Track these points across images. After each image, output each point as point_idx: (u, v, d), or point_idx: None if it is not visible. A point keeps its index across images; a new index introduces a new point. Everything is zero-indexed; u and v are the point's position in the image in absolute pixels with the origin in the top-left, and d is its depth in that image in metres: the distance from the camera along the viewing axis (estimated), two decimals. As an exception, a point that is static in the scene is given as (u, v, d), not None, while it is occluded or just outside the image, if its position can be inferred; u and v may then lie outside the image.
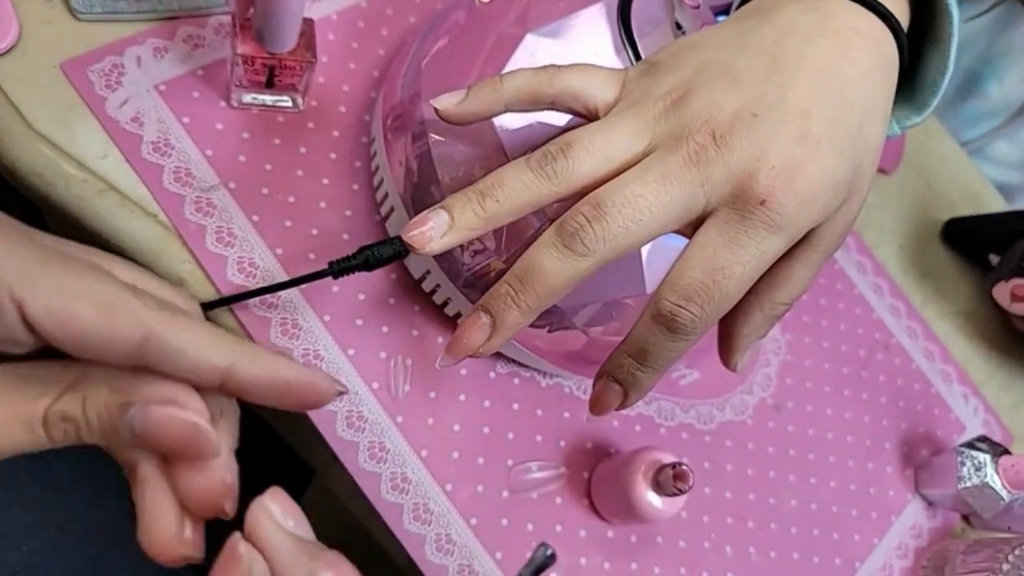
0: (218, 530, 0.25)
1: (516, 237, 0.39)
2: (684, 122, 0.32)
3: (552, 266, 0.31)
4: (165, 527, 0.25)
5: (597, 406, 0.34)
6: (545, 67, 0.35)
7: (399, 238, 0.43)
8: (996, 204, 0.79)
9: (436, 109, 0.35)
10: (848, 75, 0.33)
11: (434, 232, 0.31)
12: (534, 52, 0.40)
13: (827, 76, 0.33)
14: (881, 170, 0.71)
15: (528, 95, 0.34)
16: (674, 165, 0.31)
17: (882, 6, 0.35)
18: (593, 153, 0.32)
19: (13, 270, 0.20)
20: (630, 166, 0.32)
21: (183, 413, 0.23)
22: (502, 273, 0.34)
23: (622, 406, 0.34)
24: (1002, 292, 0.65)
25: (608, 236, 0.30)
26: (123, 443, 0.22)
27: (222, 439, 0.25)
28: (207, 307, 0.38)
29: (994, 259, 0.70)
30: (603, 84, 0.34)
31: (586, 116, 0.35)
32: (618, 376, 0.33)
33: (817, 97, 0.32)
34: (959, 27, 0.36)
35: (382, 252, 0.42)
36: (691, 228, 0.32)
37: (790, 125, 0.31)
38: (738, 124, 0.31)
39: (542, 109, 0.35)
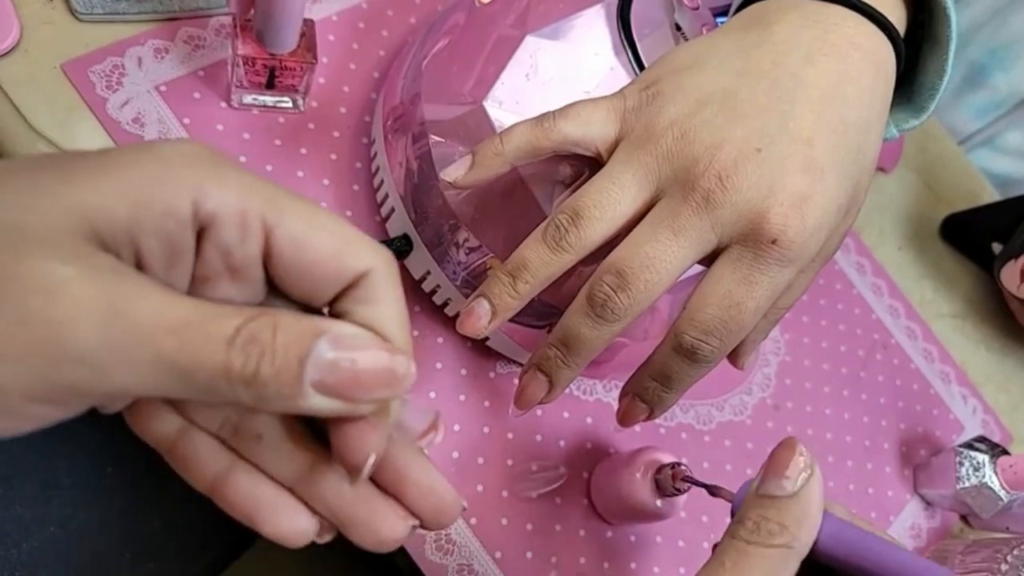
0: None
1: (511, 237, 0.40)
2: (688, 165, 0.32)
3: (590, 333, 0.34)
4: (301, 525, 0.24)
5: (625, 421, 0.37)
6: (541, 117, 0.35)
7: (399, 239, 0.43)
8: (995, 204, 0.79)
9: (447, 181, 0.36)
10: (848, 95, 0.33)
11: (482, 320, 0.35)
12: (534, 53, 0.40)
13: (827, 99, 0.33)
14: (880, 168, 0.72)
15: (529, 151, 0.35)
16: (683, 217, 0.32)
17: (880, 15, 0.35)
18: (601, 217, 0.33)
19: (266, 196, 0.22)
20: (641, 215, 0.33)
21: (380, 344, 0.22)
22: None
23: (648, 419, 0.37)
24: (1011, 273, 0.64)
25: (633, 301, 0.32)
26: (289, 391, 0.20)
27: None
28: None
29: (996, 248, 0.70)
30: (601, 124, 0.35)
31: (590, 157, 0.36)
32: (644, 397, 0.36)
33: (818, 123, 0.32)
34: (957, 27, 0.36)
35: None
36: (707, 260, 0.33)
37: (794, 156, 0.32)
38: (742, 161, 0.32)
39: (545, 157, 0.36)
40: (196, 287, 0.23)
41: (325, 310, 0.24)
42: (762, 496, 0.27)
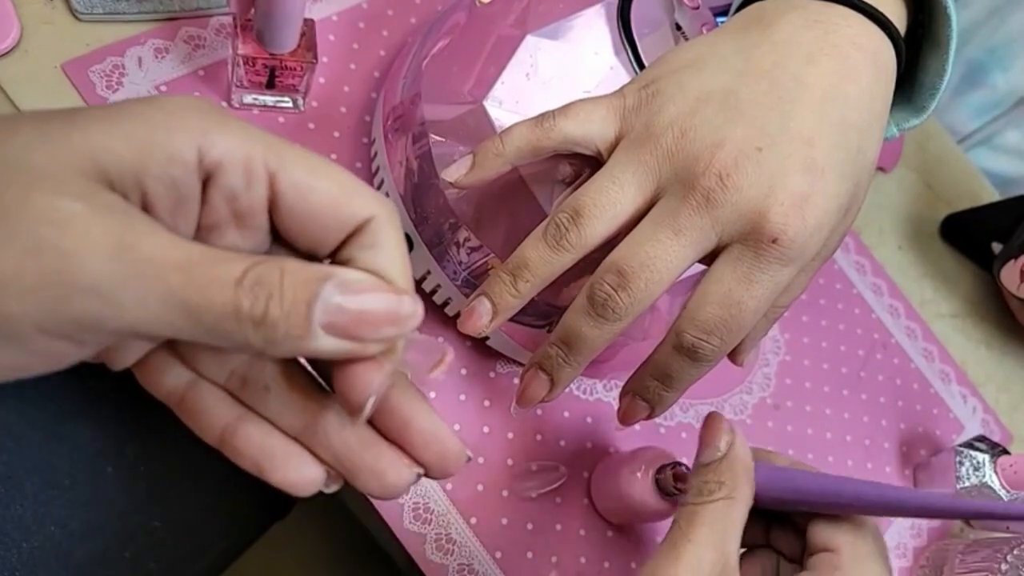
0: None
1: (511, 237, 0.40)
2: (689, 165, 0.32)
3: (591, 332, 0.34)
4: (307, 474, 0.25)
5: (626, 420, 0.37)
6: (541, 117, 0.35)
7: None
8: (995, 204, 0.79)
9: (448, 181, 0.36)
10: (848, 95, 0.33)
11: (483, 319, 0.35)
12: (534, 53, 0.40)
13: (828, 100, 0.33)
14: (880, 168, 0.72)
15: (529, 151, 0.35)
16: (684, 216, 0.32)
17: (881, 14, 0.35)
18: (601, 216, 0.33)
19: (269, 144, 0.23)
20: (642, 214, 0.33)
21: (385, 286, 0.22)
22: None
23: (648, 418, 0.37)
24: (1011, 273, 0.64)
25: (633, 300, 0.32)
26: (299, 331, 0.20)
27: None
28: None
29: (996, 248, 0.70)
30: (601, 123, 0.35)
31: (590, 156, 0.36)
32: (645, 396, 0.36)
33: (819, 123, 0.33)
34: (958, 27, 0.36)
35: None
36: (708, 259, 0.34)
37: (795, 156, 0.32)
38: (743, 160, 0.32)
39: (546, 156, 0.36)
40: (202, 235, 0.23)
41: (327, 263, 0.24)
42: (701, 466, 0.31)
